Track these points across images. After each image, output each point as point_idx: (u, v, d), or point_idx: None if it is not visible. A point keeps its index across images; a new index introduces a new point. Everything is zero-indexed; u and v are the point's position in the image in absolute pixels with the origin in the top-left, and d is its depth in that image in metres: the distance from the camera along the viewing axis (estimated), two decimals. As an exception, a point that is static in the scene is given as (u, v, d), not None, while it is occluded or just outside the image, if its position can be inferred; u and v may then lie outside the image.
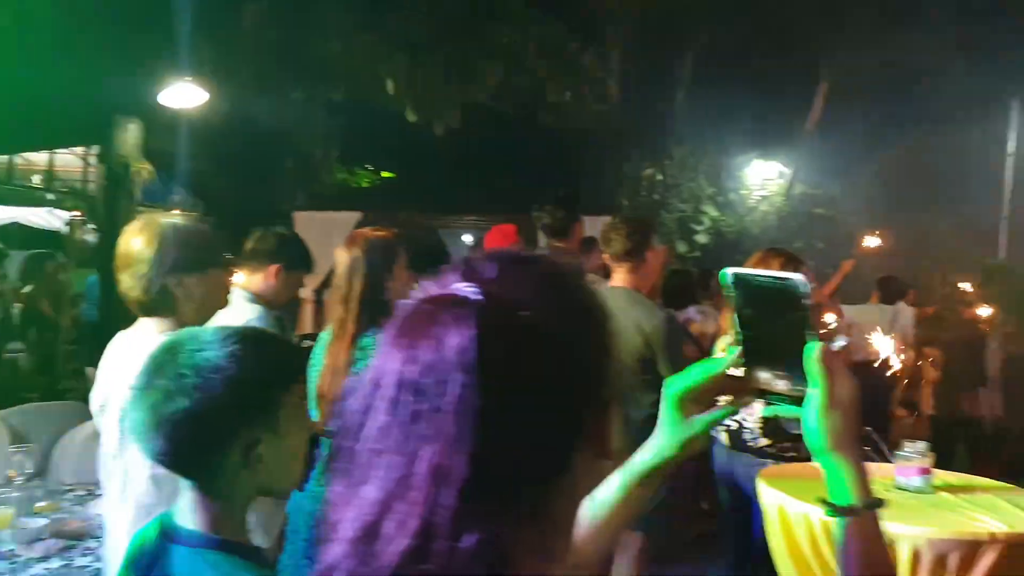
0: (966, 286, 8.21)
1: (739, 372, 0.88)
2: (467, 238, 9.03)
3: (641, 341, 3.16)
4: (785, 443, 3.16)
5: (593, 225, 4.66)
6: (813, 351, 0.83)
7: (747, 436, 3.27)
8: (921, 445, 2.51)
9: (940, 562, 2.07)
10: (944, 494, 2.48)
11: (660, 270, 4.33)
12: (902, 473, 2.49)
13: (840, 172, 11.36)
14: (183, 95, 6.16)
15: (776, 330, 0.86)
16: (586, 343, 0.68)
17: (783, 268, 3.25)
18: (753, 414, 3.19)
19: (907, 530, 2.14)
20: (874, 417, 5.90)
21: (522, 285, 0.66)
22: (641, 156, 10.99)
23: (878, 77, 10.59)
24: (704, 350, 4.51)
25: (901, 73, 10.41)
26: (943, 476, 2.62)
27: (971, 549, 2.06)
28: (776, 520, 2.42)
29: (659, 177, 11.04)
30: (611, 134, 10.78)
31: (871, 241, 8.85)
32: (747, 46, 10.73)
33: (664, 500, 3.40)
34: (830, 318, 6.34)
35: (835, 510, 0.84)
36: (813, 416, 0.83)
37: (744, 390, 0.89)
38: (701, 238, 10.86)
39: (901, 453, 2.51)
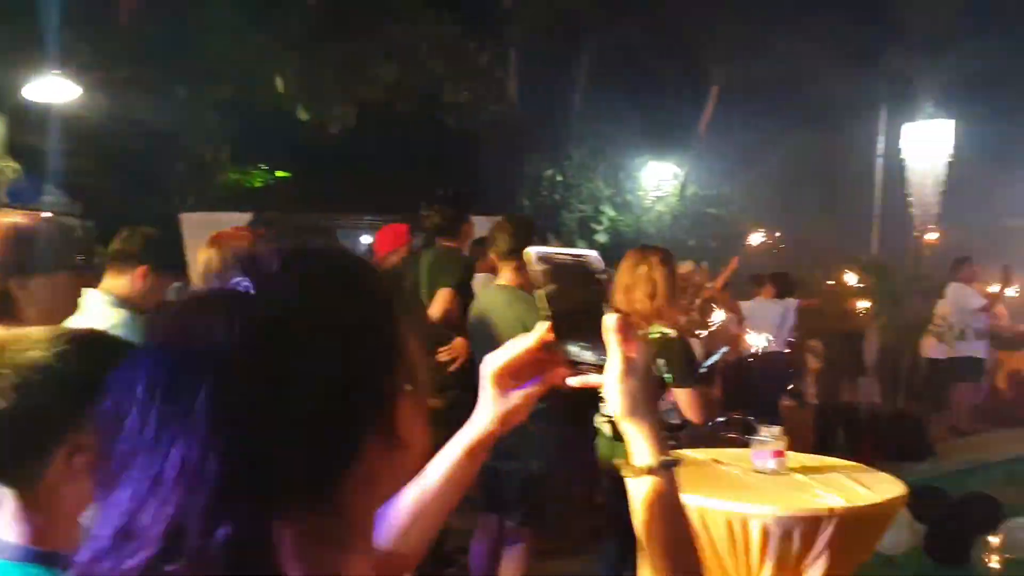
0: (852, 279, 8.69)
1: (551, 346, 0.93)
2: (365, 238, 8.92)
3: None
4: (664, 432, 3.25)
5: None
6: (608, 322, 0.88)
7: (627, 427, 3.36)
8: (776, 429, 2.67)
9: (787, 538, 2.22)
10: (797, 475, 2.63)
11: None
12: (758, 457, 2.63)
13: (730, 173, 11.86)
14: (52, 89, 5.82)
15: (579, 304, 0.91)
16: (370, 335, 0.69)
17: (659, 264, 3.33)
18: None
19: (757, 509, 2.28)
20: (762, 406, 6.18)
21: (304, 278, 0.67)
22: (541, 157, 11.16)
23: (765, 82, 11.12)
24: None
25: (785, 78, 10.96)
26: (798, 458, 2.79)
27: (813, 524, 2.22)
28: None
29: (559, 178, 11.24)
30: (510, 134, 10.89)
31: (756, 239, 9.27)
32: (641, 50, 11.06)
33: (555, 495, 3.46)
34: (719, 315, 6.60)
35: (635, 472, 0.89)
36: (610, 383, 0.88)
37: (556, 363, 0.94)
38: (600, 237, 11.14)
39: (756, 438, 2.66)
